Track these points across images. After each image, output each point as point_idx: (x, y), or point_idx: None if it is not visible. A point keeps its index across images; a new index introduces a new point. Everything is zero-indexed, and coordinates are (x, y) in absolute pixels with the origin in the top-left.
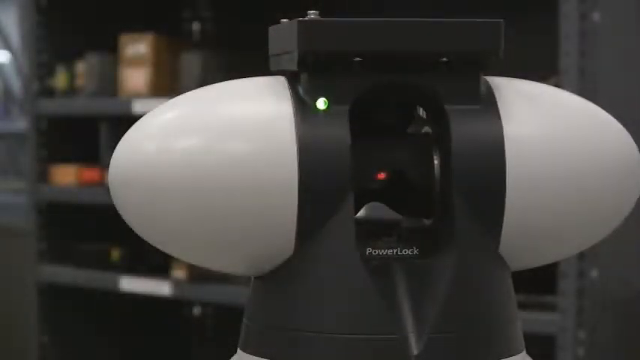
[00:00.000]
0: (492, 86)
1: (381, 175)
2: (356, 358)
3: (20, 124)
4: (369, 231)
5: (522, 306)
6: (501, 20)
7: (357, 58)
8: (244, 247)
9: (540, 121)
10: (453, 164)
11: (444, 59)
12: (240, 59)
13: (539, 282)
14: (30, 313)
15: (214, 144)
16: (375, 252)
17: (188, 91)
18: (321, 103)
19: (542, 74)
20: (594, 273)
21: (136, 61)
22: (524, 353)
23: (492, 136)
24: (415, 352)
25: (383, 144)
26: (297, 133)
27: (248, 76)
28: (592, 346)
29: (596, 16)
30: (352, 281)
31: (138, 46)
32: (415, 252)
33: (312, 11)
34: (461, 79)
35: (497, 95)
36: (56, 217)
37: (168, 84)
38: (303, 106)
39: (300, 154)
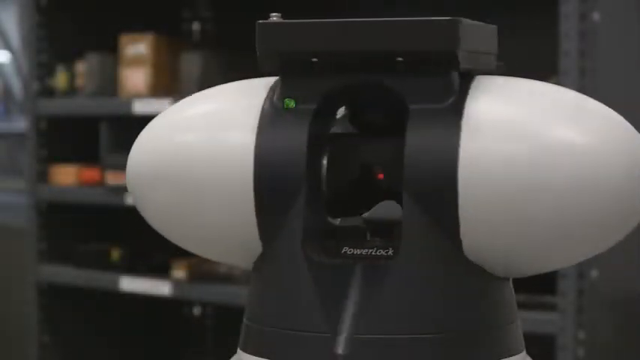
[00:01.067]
0: (473, 86)
1: (380, 175)
2: (288, 354)
3: (20, 124)
4: (341, 231)
5: (522, 306)
6: (459, 19)
7: (314, 59)
8: (225, 240)
9: (504, 125)
10: (405, 165)
11: (400, 59)
12: (240, 59)
13: (539, 282)
14: (30, 313)
15: (182, 141)
16: (346, 251)
17: (188, 91)
18: (287, 103)
19: (542, 74)
20: (594, 273)
21: (136, 61)
22: (524, 353)
23: (447, 138)
24: (340, 351)
25: (357, 144)
26: (257, 133)
27: (248, 76)
28: (592, 346)
29: (596, 16)
30: (294, 280)
31: (138, 46)
32: (381, 252)
33: (274, 13)
34: (423, 78)
35: (470, 96)
36: (56, 217)
37: (168, 84)
38: (271, 107)
39: (255, 154)
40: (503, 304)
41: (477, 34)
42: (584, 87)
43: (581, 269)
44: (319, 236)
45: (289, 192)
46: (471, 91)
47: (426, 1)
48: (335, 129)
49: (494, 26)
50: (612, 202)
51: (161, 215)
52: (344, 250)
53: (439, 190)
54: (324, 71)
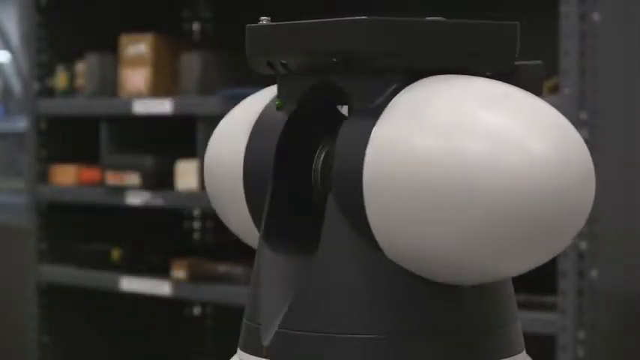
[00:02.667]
0: (410, 87)
1: None
2: (247, 342)
3: (20, 124)
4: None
5: (522, 306)
6: (368, 18)
7: (283, 61)
8: (251, 235)
9: (413, 127)
10: (333, 163)
11: (334, 59)
12: (240, 59)
13: (539, 282)
14: (30, 313)
15: (217, 141)
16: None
17: (188, 91)
18: (277, 103)
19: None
20: (594, 273)
21: (136, 61)
22: (524, 353)
23: (357, 140)
24: (265, 342)
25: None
26: (251, 132)
27: (247, 76)
28: (592, 346)
29: (596, 16)
30: (255, 272)
31: (138, 46)
32: None
33: (263, 17)
34: (360, 78)
35: (398, 96)
36: (56, 217)
37: (168, 84)
38: (269, 107)
39: (245, 151)
40: (461, 309)
41: (430, 33)
42: (584, 87)
43: (581, 269)
44: (294, 231)
45: (263, 187)
46: (402, 91)
47: (428, 2)
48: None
49: (499, 25)
50: (531, 210)
51: (213, 206)
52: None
53: (350, 190)
54: (297, 72)
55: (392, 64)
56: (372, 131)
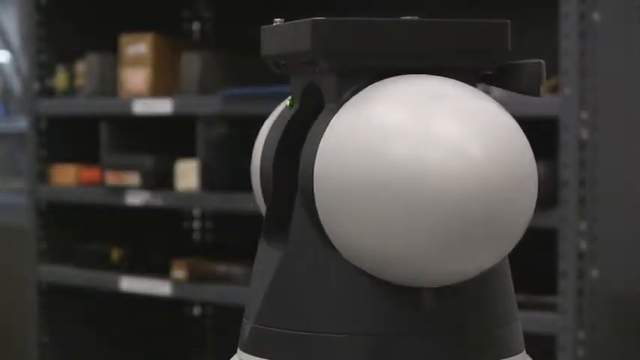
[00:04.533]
0: (369, 87)
1: None
2: (248, 341)
3: (20, 124)
4: None
5: (522, 306)
6: (316, 19)
7: (282, 62)
8: None
9: (357, 131)
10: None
11: (303, 60)
12: (240, 59)
13: (539, 282)
14: (30, 313)
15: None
16: None
17: (187, 90)
18: (288, 102)
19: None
20: (594, 273)
21: (136, 61)
22: (524, 353)
23: (313, 137)
24: (244, 335)
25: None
26: (269, 130)
27: (247, 76)
28: (592, 346)
29: (596, 16)
30: (254, 269)
31: (138, 46)
32: None
33: (277, 19)
34: (326, 78)
35: (356, 96)
36: (56, 217)
37: (168, 84)
38: (286, 106)
39: (262, 151)
40: (424, 311)
41: (395, 33)
42: (584, 87)
43: (581, 269)
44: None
45: (269, 184)
46: (361, 92)
47: (427, 2)
48: None
49: (485, 23)
50: (465, 211)
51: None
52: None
53: (306, 190)
54: (296, 72)
55: (353, 64)
56: (325, 131)
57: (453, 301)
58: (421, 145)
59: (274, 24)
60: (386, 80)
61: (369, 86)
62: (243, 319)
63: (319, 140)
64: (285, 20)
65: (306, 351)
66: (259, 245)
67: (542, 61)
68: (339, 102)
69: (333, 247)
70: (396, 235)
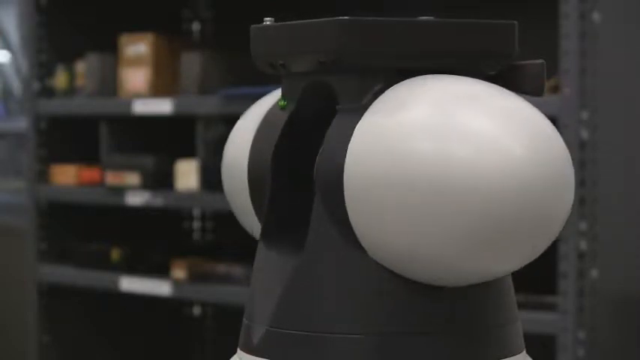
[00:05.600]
0: (394, 87)
1: None
2: (248, 341)
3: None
4: None
5: (522, 306)
6: (346, 18)
7: (281, 62)
8: (254, 226)
9: (391, 132)
10: (316, 163)
11: (322, 60)
12: (240, 59)
13: (539, 282)
14: (30, 313)
15: (230, 139)
16: None
17: (187, 90)
18: (280, 103)
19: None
20: (594, 273)
21: (136, 61)
22: (524, 353)
23: (340, 139)
24: (255, 340)
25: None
26: (255, 132)
27: (247, 76)
28: (592, 346)
29: (596, 16)
30: (254, 270)
31: (138, 46)
32: None
33: (267, 18)
34: (346, 78)
35: (383, 96)
36: (56, 217)
37: (168, 84)
38: (275, 107)
39: (250, 151)
40: (448, 311)
41: (416, 33)
42: (584, 87)
43: (581, 269)
44: (292, 231)
45: (264, 185)
46: (387, 91)
47: (429, 2)
48: None
49: (494, 24)
50: (504, 210)
51: (230, 205)
52: None
53: (332, 190)
54: (295, 72)
55: (377, 64)
56: (354, 130)
57: (454, 302)
58: (461, 146)
59: (265, 23)
60: (411, 81)
61: (395, 86)
62: (246, 321)
63: (347, 141)
64: (275, 20)
65: (328, 352)
66: (258, 247)
67: (543, 61)
68: (363, 102)
69: (358, 247)
70: (434, 235)
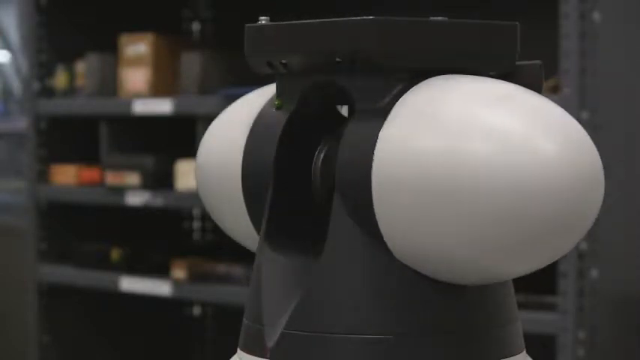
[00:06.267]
0: (416, 87)
1: None
2: (247, 342)
3: (20, 124)
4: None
5: (522, 306)
6: (377, 18)
7: (283, 61)
8: (245, 233)
9: (422, 131)
10: (336, 165)
11: (338, 59)
12: (240, 59)
13: (539, 282)
14: (30, 313)
15: (208, 142)
16: None
17: (187, 90)
18: (277, 103)
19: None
20: (594, 273)
21: (136, 61)
22: (524, 353)
23: (366, 139)
24: (269, 343)
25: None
26: (249, 133)
27: (247, 76)
28: (592, 346)
29: (596, 16)
30: (256, 273)
31: (138, 46)
32: None
33: (262, 17)
34: (362, 78)
35: (405, 96)
36: (56, 217)
37: (168, 84)
38: (268, 107)
39: (243, 153)
40: (467, 309)
41: (434, 33)
42: (584, 87)
43: (581, 269)
44: (295, 232)
45: (263, 188)
46: (409, 91)
47: (425, 1)
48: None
49: (497, 24)
50: (544, 207)
51: (207, 206)
52: None
53: (358, 190)
54: (297, 72)
55: (398, 64)
56: (380, 132)
57: (454, 301)
58: (494, 147)
59: (260, 22)
60: (432, 81)
61: (416, 87)
62: (250, 323)
63: (373, 143)
64: (273, 20)
65: (352, 354)
66: (262, 248)
67: (541, 62)
68: (384, 103)
69: (383, 247)
70: (467, 236)
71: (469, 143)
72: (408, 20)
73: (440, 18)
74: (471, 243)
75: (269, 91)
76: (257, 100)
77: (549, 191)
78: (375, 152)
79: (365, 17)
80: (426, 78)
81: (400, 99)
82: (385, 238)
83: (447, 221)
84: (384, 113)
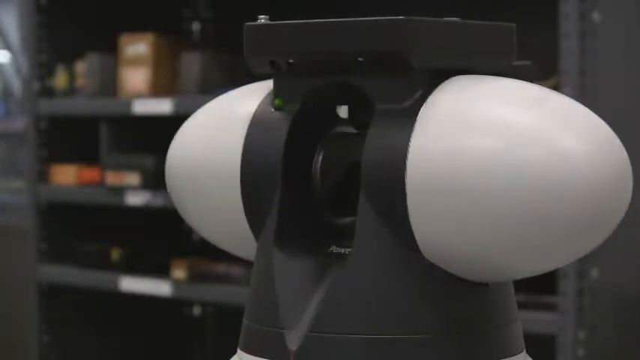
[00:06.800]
0: (441, 86)
1: None
2: (254, 346)
3: (20, 124)
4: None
5: (522, 306)
6: (411, 18)
7: (291, 60)
8: (231, 235)
9: (456, 124)
10: (362, 165)
11: (360, 59)
12: (240, 59)
13: (539, 282)
14: (30, 313)
15: (190, 142)
16: (332, 249)
17: (188, 91)
18: (277, 103)
19: (543, 74)
20: (594, 273)
21: (136, 61)
22: (524, 353)
23: (398, 139)
24: (292, 346)
25: (346, 143)
26: (247, 133)
27: (247, 76)
28: (592, 346)
29: (596, 16)
30: (266, 276)
31: (138, 46)
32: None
33: (262, 16)
34: (386, 78)
35: (432, 96)
36: (56, 217)
37: (168, 84)
38: (265, 107)
39: (242, 153)
40: (486, 308)
41: (454, 34)
42: (584, 87)
43: (581, 269)
44: (302, 233)
45: (269, 189)
46: (435, 91)
47: (426, 1)
48: (341, 129)
49: (500, 25)
50: (577, 206)
51: (183, 210)
52: (331, 249)
53: (390, 190)
54: (303, 71)
55: (423, 64)
56: (413, 134)
57: (477, 300)
58: (530, 146)
59: (260, 21)
60: (454, 81)
61: (441, 87)
62: (247, 321)
63: (404, 145)
64: (270, 19)
65: (377, 353)
66: (269, 251)
67: (532, 62)
68: (409, 103)
69: (412, 246)
70: (502, 235)
71: (506, 145)
72: (434, 20)
73: (454, 19)
74: (506, 243)
75: (254, 90)
76: (243, 99)
77: (586, 192)
78: (409, 155)
79: (395, 17)
80: (446, 78)
81: (428, 100)
82: (417, 239)
83: (482, 221)
84: (411, 114)
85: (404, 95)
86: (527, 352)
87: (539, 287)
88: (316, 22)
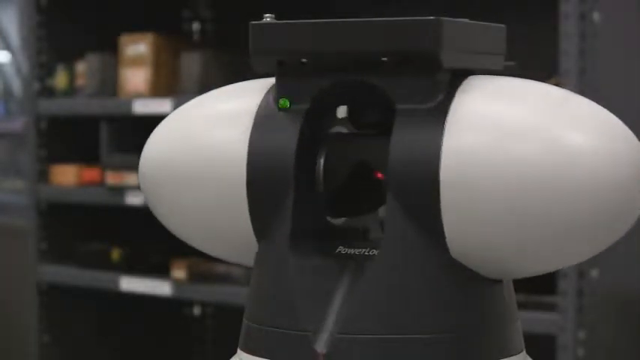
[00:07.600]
0: (463, 86)
1: (380, 175)
2: (260, 347)
3: (20, 124)
4: (339, 230)
5: (522, 306)
6: (441, 18)
7: (304, 60)
8: (225, 237)
9: (489, 124)
10: (389, 166)
11: (384, 58)
12: (240, 59)
13: (539, 282)
14: (30, 313)
15: (182, 142)
16: (340, 250)
17: (188, 91)
18: (282, 103)
19: (542, 74)
20: (594, 273)
21: (136, 61)
22: (524, 353)
23: (429, 139)
24: (320, 349)
25: (353, 143)
26: (251, 133)
27: (248, 76)
28: (592, 346)
29: (596, 16)
30: (282, 279)
31: (138, 46)
32: (374, 252)
33: (268, 15)
34: (409, 78)
35: (457, 96)
36: (56, 217)
37: (168, 84)
38: (267, 107)
39: (248, 153)
40: (499, 305)
41: (471, 34)
42: (584, 87)
43: (581, 269)
44: (312, 235)
45: (279, 191)
46: (459, 91)
47: (426, 1)
48: (338, 128)
49: (500, 26)
50: (604, 204)
51: (167, 213)
52: (338, 250)
53: (422, 191)
54: (315, 71)
55: (447, 64)
56: (444, 134)
57: (500, 297)
58: (563, 145)
59: (265, 20)
60: (475, 81)
61: (464, 87)
62: (248, 322)
63: (437, 146)
64: (276, 18)
65: (409, 353)
66: (281, 253)
67: (515, 63)
68: (434, 104)
69: (440, 246)
70: (535, 234)
71: (542, 145)
72: (456, 21)
73: (465, 20)
74: (538, 243)
75: (246, 89)
76: (235, 99)
77: (614, 192)
78: (443, 155)
79: (423, 17)
80: (464, 78)
81: (454, 99)
82: (447, 236)
83: (516, 221)
84: (439, 114)
85: (426, 95)
86: (527, 352)
87: (539, 287)
88: (334, 22)
